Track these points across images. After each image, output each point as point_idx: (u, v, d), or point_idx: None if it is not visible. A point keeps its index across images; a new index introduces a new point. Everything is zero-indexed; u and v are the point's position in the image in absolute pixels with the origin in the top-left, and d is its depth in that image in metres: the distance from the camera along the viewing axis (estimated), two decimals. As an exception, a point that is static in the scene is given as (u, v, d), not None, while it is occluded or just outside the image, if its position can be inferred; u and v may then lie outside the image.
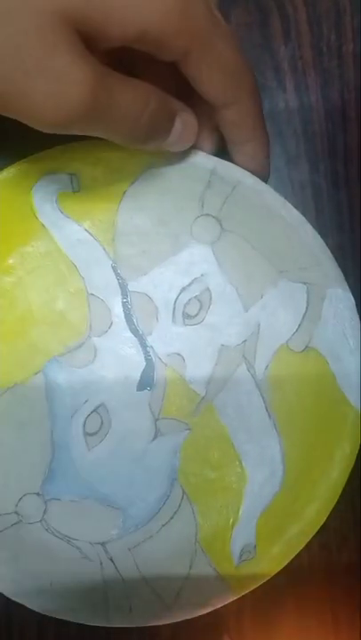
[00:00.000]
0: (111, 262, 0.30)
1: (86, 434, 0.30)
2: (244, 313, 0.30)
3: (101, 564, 0.29)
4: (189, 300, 0.30)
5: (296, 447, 0.29)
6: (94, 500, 0.30)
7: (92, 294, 0.30)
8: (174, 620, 0.27)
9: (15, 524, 0.29)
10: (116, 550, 0.29)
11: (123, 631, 0.28)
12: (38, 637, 0.31)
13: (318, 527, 0.28)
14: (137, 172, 0.29)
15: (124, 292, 0.30)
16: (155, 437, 0.30)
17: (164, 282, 0.30)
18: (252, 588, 0.28)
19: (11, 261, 0.30)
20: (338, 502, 0.28)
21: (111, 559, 0.29)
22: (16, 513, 0.29)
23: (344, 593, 0.31)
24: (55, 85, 0.21)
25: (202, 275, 0.30)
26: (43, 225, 0.30)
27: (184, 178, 0.29)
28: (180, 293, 0.30)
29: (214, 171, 0.28)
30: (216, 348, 0.30)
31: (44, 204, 0.30)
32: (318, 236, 0.28)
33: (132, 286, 0.30)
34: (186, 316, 0.30)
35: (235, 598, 0.28)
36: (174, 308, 0.30)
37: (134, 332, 0.30)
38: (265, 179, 0.29)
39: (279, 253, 0.29)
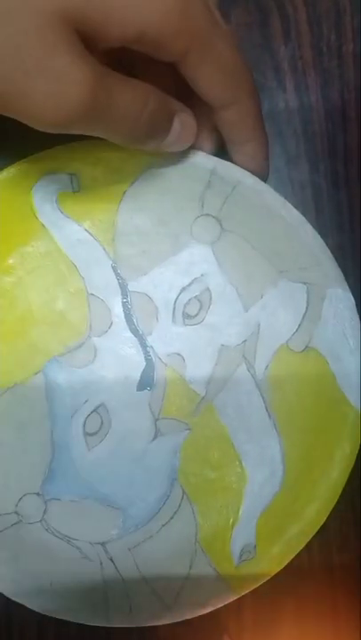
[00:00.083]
0: (111, 262, 0.30)
1: (86, 434, 0.30)
2: (244, 313, 0.30)
3: (101, 564, 0.29)
4: (189, 300, 0.30)
5: (296, 447, 0.29)
6: (94, 499, 0.30)
7: (92, 294, 0.30)
8: (174, 620, 0.27)
9: (15, 523, 0.29)
10: (116, 550, 0.29)
11: (123, 631, 0.28)
12: (38, 637, 0.31)
13: (318, 527, 0.28)
14: (137, 172, 0.29)
15: (124, 291, 0.30)
16: (155, 437, 0.30)
17: (164, 282, 0.30)
18: (252, 588, 0.28)
19: (11, 261, 0.30)
20: (338, 502, 0.28)
21: (111, 559, 0.29)
22: (16, 513, 0.29)
23: (344, 593, 0.31)
24: (55, 85, 0.21)
25: (202, 275, 0.30)
26: (43, 225, 0.30)
27: (184, 178, 0.29)
28: (180, 293, 0.30)
29: (214, 171, 0.28)
30: (216, 347, 0.30)
31: (44, 203, 0.30)
32: (318, 236, 0.28)
33: (132, 286, 0.30)
34: (186, 315, 0.30)
35: (235, 598, 0.28)
36: (174, 308, 0.30)
37: (134, 332, 0.30)
38: (264, 179, 0.29)
39: (279, 253, 0.29)
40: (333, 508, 0.28)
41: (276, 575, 0.28)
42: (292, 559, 0.28)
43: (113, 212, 0.30)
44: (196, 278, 0.30)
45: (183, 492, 0.30)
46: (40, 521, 0.29)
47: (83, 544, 0.29)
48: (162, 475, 0.30)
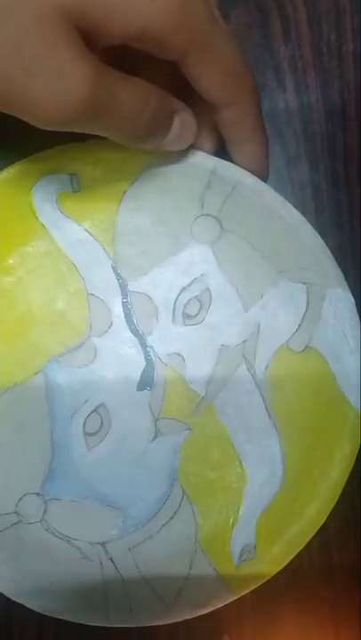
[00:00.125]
0: (111, 262, 0.30)
1: (86, 434, 0.30)
2: (244, 313, 0.30)
3: (101, 564, 0.29)
4: (189, 299, 0.30)
5: (296, 447, 0.29)
6: (94, 499, 0.30)
7: (92, 294, 0.30)
8: (174, 620, 0.27)
9: (15, 524, 0.29)
10: (116, 550, 0.29)
11: (123, 631, 0.28)
12: (38, 637, 0.31)
13: (318, 527, 0.28)
14: (137, 172, 0.29)
15: (124, 291, 0.30)
16: (155, 437, 0.30)
17: (163, 282, 0.30)
18: (252, 588, 0.28)
19: (11, 261, 0.30)
20: (338, 502, 0.28)
21: (111, 559, 0.29)
22: (16, 513, 0.29)
23: (344, 593, 0.31)
24: (55, 82, 0.21)
25: (202, 275, 0.30)
26: (43, 225, 0.30)
27: (184, 178, 0.29)
28: (180, 293, 0.30)
29: (214, 171, 0.28)
30: (216, 347, 0.30)
31: (44, 203, 0.29)
32: (318, 236, 0.28)
33: (131, 286, 0.30)
34: (186, 315, 0.30)
35: (235, 598, 0.28)
36: (174, 308, 0.30)
37: (134, 331, 0.30)
38: (264, 179, 0.29)
39: (279, 253, 0.29)
40: (333, 508, 0.28)
41: (276, 575, 0.28)
42: (292, 559, 0.28)
43: (113, 212, 0.30)
44: (196, 278, 0.30)
45: (183, 492, 0.30)
46: (40, 521, 0.29)
47: (83, 544, 0.29)
48: (162, 475, 0.30)
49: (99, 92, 0.22)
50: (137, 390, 0.30)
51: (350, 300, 0.28)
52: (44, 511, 0.29)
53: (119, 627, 0.28)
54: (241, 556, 0.29)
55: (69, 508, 0.29)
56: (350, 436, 0.28)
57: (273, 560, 0.28)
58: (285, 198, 0.28)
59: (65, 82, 0.21)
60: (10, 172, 0.29)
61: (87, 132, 0.24)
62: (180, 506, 0.30)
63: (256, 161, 0.28)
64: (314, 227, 0.28)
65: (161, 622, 0.27)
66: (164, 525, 0.29)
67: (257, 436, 0.30)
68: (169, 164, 0.28)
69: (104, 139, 0.25)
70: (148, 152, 0.28)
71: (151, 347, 0.30)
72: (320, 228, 0.29)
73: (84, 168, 0.29)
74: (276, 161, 0.31)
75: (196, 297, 0.30)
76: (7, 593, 0.28)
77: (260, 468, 0.29)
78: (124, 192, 0.30)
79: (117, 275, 0.30)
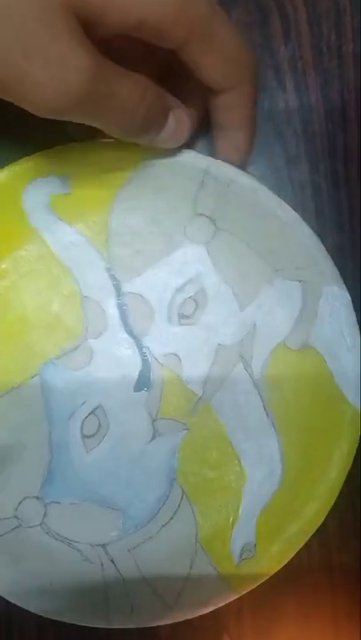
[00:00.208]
0: (105, 264, 0.30)
1: (84, 436, 0.30)
2: (239, 312, 0.30)
3: (102, 565, 0.29)
4: (185, 300, 0.30)
5: (295, 446, 0.29)
6: (94, 501, 0.30)
7: (87, 296, 0.30)
8: (175, 620, 0.27)
9: (15, 527, 0.29)
10: (117, 552, 0.29)
11: (123, 631, 0.28)
12: (38, 637, 0.31)
13: (318, 526, 0.28)
14: (130, 173, 0.29)
15: (119, 293, 0.30)
16: (153, 438, 0.30)
17: (158, 282, 0.30)
18: (252, 588, 0.28)
19: (4, 266, 0.30)
20: (338, 502, 0.28)
21: (112, 560, 0.29)
22: (16, 517, 0.29)
23: (344, 593, 0.31)
24: (54, 70, 0.21)
25: (197, 274, 0.30)
26: (35, 228, 0.30)
27: (177, 177, 0.28)
28: (175, 294, 0.30)
29: (208, 170, 0.28)
30: (212, 347, 0.30)
31: (35, 207, 0.29)
32: (313, 234, 0.28)
33: (126, 287, 0.30)
34: (181, 316, 0.30)
35: (235, 597, 0.28)
36: (170, 309, 0.30)
37: (130, 333, 0.30)
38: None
39: (274, 252, 0.29)
40: (333, 508, 0.28)
41: (276, 575, 0.28)
42: (292, 559, 0.28)
43: (106, 213, 0.30)
44: (190, 278, 0.30)
45: (182, 492, 0.30)
46: (40, 524, 0.29)
47: (83, 546, 0.29)
48: (161, 475, 0.30)
49: (97, 83, 0.22)
50: (134, 391, 0.30)
51: (347, 297, 0.28)
52: (44, 514, 0.29)
53: (120, 627, 0.28)
54: (241, 554, 0.29)
55: (69, 510, 0.29)
56: (349, 434, 0.28)
57: (273, 559, 0.28)
58: (285, 198, 0.28)
59: (65, 70, 0.21)
60: (1, 175, 0.28)
61: (83, 122, 0.24)
62: (179, 506, 0.30)
63: (239, 152, 0.28)
64: (314, 227, 0.28)
65: (162, 622, 0.28)
66: (163, 526, 0.29)
67: (255, 435, 0.30)
68: (162, 163, 0.28)
69: (95, 141, 0.25)
70: (141, 152, 0.27)
71: (147, 347, 0.30)
72: (320, 228, 0.29)
73: (75, 170, 0.29)
74: (276, 161, 0.31)
75: (191, 297, 0.30)
76: (7, 595, 0.28)
77: (259, 467, 0.29)
78: (117, 193, 0.29)
79: (112, 276, 0.30)
